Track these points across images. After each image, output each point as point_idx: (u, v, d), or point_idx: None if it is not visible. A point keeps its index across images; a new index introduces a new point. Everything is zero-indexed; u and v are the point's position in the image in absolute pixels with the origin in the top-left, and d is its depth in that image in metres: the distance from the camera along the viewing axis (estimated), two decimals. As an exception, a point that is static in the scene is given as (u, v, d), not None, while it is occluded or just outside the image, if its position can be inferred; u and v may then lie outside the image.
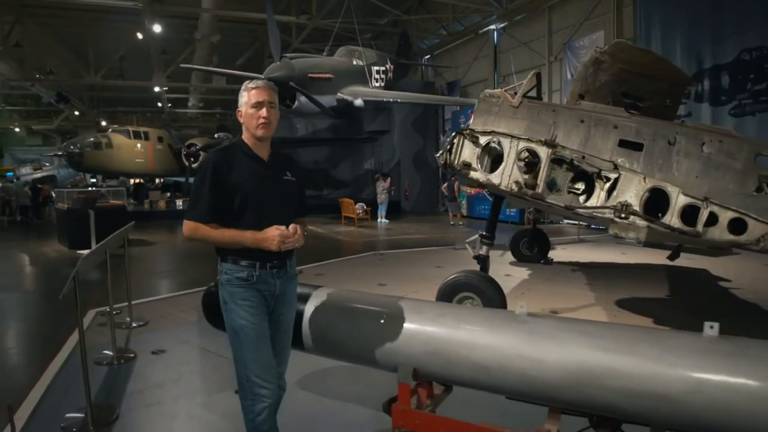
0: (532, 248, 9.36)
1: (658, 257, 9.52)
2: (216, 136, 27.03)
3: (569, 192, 3.31)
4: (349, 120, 20.18)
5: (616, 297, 6.67)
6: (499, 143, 3.50)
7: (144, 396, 3.96)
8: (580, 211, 3.28)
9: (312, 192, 24.18)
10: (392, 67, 18.17)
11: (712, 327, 2.11)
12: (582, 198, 3.22)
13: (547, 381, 2.26)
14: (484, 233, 4.99)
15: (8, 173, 31.24)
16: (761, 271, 8.35)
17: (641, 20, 13.21)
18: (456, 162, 3.61)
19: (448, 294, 5.14)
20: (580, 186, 3.26)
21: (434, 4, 22.21)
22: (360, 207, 16.42)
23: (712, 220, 2.88)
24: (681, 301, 6.68)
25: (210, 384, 4.19)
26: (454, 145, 3.63)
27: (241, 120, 2.50)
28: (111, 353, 4.78)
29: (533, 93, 7.50)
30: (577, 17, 16.39)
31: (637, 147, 6.05)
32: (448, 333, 2.52)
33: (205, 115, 45.31)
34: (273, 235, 2.32)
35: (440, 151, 3.72)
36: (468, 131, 3.71)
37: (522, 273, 8.45)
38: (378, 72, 17.06)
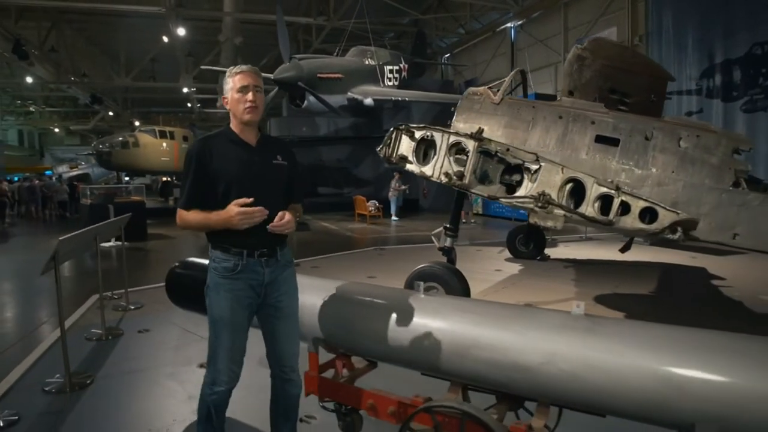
0: (527, 245, 9.41)
1: (659, 255, 9.45)
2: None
3: (501, 183, 3.44)
4: (369, 119, 20.43)
5: (597, 293, 6.72)
6: (432, 137, 3.66)
7: (120, 366, 4.44)
8: (503, 200, 3.42)
9: (333, 190, 24.53)
10: (406, 66, 18.33)
11: (578, 306, 2.26)
12: (509, 188, 3.35)
13: (429, 353, 2.45)
14: (447, 226, 5.16)
15: (47, 172, 32.85)
16: (762, 271, 8.15)
17: (653, 15, 13.02)
18: (394, 155, 3.80)
19: (414, 283, 5.32)
20: (515, 177, 3.39)
21: (453, 4, 22.28)
22: (372, 204, 16.66)
23: (625, 209, 2.97)
24: (663, 298, 6.67)
25: (180, 358, 4.59)
26: (393, 140, 3.83)
27: (228, 107, 2.47)
28: (101, 331, 5.25)
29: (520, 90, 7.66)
30: (592, 14, 16.23)
31: (613, 142, 6.12)
32: (352, 309, 2.73)
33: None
34: (233, 211, 2.27)
35: (380, 146, 3.92)
36: (404, 126, 3.90)
37: (513, 269, 8.53)
38: (391, 71, 17.27)
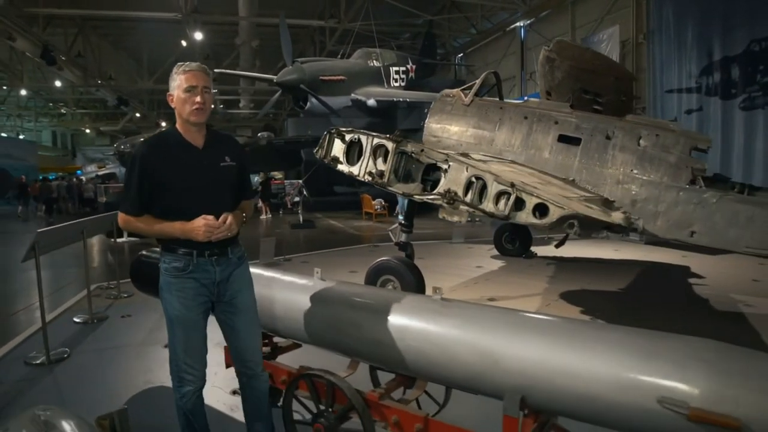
0: (513, 242, 9.55)
1: (650, 254, 9.44)
2: (259, 135, 28.42)
3: (423, 181, 3.69)
4: (384, 119, 20.71)
5: (565, 289, 6.86)
6: (359, 140, 3.94)
7: (97, 344, 5.05)
8: (416, 197, 3.68)
9: (348, 189, 24.83)
10: (414, 67, 18.55)
11: (436, 291, 2.51)
12: (431, 186, 3.61)
13: (322, 331, 2.74)
14: (402, 222, 5.42)
15: (78, 171, 34.29)
16: (750, 271, 8.04)
17: (655, 12, 12.93)
18: (327, 156, 4.10)
19: (372, 276, 5.63)
20: (435, 176, 3.63)
21: (465, 4, 22.36)
22: (378, 203, 16.96)
23: (520, 204, 3.18)
24: (627, 295, 6.77)
25: (150, 339, 5.11)
26: (326, 142, 4.13)
27: (173, 105, 2.39)
28: (88, 316, 5.79)
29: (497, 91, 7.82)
30: (599, 12, 16.12)
31: (575, 141, 6.28)
32: (274, 294, 2.98)
33: (257, 115, 47.43)
34: (198, 225, 2.27)
35: (316, 147, 4.22)
36: (335, 130, 4.20)
37: (494, 265, 8.71)
38: (397, 72, 17.52)
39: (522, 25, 19.89)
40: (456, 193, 3.37)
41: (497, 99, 7.27)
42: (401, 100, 15.87)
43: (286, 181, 25.40)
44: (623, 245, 10.60)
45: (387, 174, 3.69)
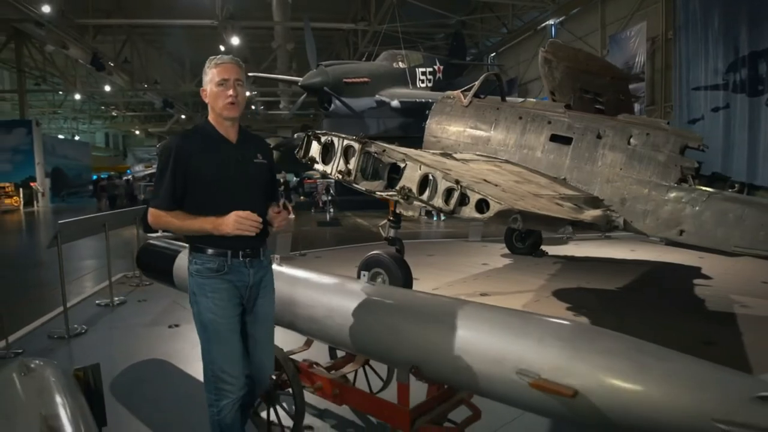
0: (524, 241, 9.62)
1: (664, 255, 9.28)
2: (295, 135, 29.21)
3: (390, 179, 3.96)
4: (418, 118, 20.92)
5: (561, 286, 6.95)
6: (332, 141, 4.24)
7: (111, 323, 5.70)
8: (377, 194, 3.94)
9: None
10: (441, 67, 18.70)
11: (364, 275, 2.80)
12: (389, 184, 3.87)
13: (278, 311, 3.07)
14: (390, 218, 5.70)
15: (128, 171, 36.25)
16: (764, 274, 7.83)
17: (682, 8, 12.62)
18: (306, 157, 4.43)
19: (364, 269, 5.92)
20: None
21: (496, 3, 22.32)
22: (403, 202, 17.20)
23: (465, 200, 3.39)
24: (623, 294, 6.78)
25: (158, 320, 5.69)
26: (304, 144, 4.47)
27: (206, 100, 2.32)
28: (108, 300, 6.41)
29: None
30: (629, 9, 15.82)
31: (566, 141, 6.40)
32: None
33: (298, 116, 48.63)
34: (229, 216, 2.17)
35: (297, 149, 4.55)
36: (312, 132, 4.53)
37: (499, 263, 8.84)
38: (424, 73, 17.73)
39: (552, 23, 19.70)
40: (410, 190, 3.63)
41: (498, 100, 7.42)
42: (425, 101, 16.08)
43: (318, 181, 26.02)
44: (640, 245, 10.46)
45: (354, 172, 3.99)
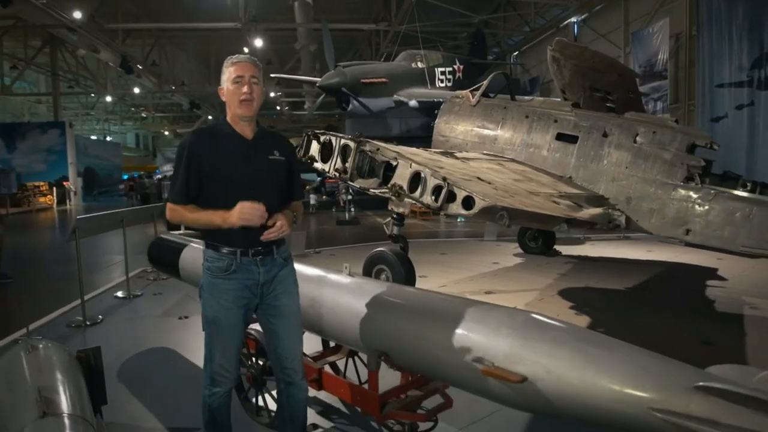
0: (537, 240, 9.59)
1: (682, 256, 9.10)
2: (318, 136, 29.52)
3: (385, 177, 4.05)
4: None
5: (568, 286, 6.93)
6: (330, 140, 4.36)
7: (126, 314, 6.04)
8: (371, 191, 4.03)
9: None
10: (461, 67, 18.67)
11: (345, 267, 2.91)
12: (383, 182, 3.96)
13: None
14: (394, 216, 5.80)
15: (156, 171, 37.24)
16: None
17: (705, 3, 12.34)
18: (306, 156, 4.56)
19: (368, 266, 6.06)
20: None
21: (519, 2, 22.16)
22: (422, 201, 17.25)
23: (452, 197, 3.45)
24: (630, 294, 6.71)
25: (169, 312, 5.95)
26: (305, 143, 4.60)
27: (224, 98, 2.37)
28: (126, 293, 6.72)
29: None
30: (653, 5, 15.51)
31: (572, 140, 6.39)
32: None
33: (323, 116, 49.17)
34: (236, 209, 2.19)
35: (297, 147, 4.67)
36: (311, 132, 4.65)
37: (510, 262, 8.84)
38: (443, 73, 17.74)
39: (575, 20, 19.44)
40: (401, 187, 3.72)
41: (506, 99, 7.44)
42: (443, 100, 16.15)
43: (340, 180, 26.22)
44: (658, 246, 10.28)
45: (350, 170, 4.11)
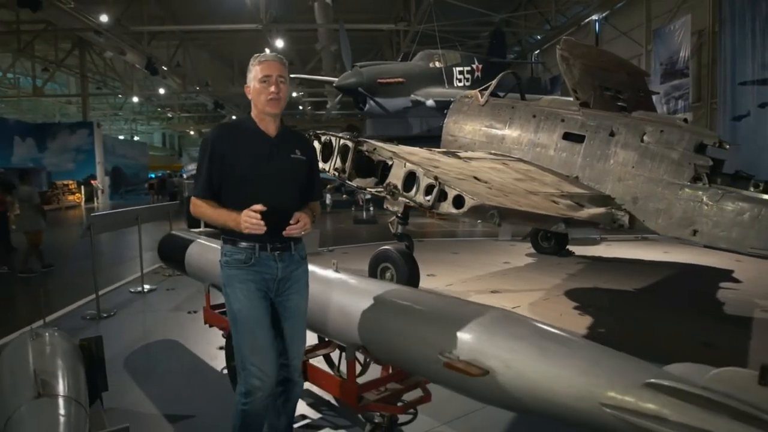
0: (549, 240, 9.54)
1: (701, 258, 8.92)
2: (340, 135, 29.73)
3: (382, 176, 4.12)
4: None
5: (576, 286, 6.91)
6: (330, 141, 4.45)
7: (139, 308, 6.29)
8: (368, 190, 4.10)
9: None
10: (480, 66, 18.60)
11: (333, 263, 3.01)
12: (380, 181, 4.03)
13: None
14: (399, 215, 5.86)
15: (182, 170, 38.06)
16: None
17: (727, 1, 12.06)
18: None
19: (374, 264, 6.15)
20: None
21: (540, 0, 21.96)
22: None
23: (443, 196, 3.50)
24: (638, 295, 6.64)
25: (179, 306, 6.16)
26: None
27: (250, 96, 2.38)
28: (140, 288, 6.97)
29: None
30: (676, 1, 15.20)
31: (579, 139, 6.37)
32: None
33: (346, 116, 49.49)
34: (242, 214, 2.16)
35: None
36: (313, 133, 4.75)
37: (521, 262, 8.82)
38: (461, 72, 17.70)
39: (596, 18, 19.18)
40: (396, 186, 3.79)
41: (516, 98, 7.43)
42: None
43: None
44: (675, 247, 10.09)
45: (348, 170, 4.20)
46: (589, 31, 19.90)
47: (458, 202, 3.43)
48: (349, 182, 4.32)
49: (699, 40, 14.10)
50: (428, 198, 3.59)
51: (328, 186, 23.93)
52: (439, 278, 7.42)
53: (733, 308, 5.95)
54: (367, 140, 4.38)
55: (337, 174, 4.34)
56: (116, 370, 4.02)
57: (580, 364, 1.85)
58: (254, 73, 2.35)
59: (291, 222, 2.24)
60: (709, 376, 1.68)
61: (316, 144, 4.59)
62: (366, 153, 4.14)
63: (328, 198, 19.79)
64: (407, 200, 3.83)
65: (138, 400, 3.55)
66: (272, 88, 2.30)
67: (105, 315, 5.73)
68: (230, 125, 2.52)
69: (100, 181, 26.57)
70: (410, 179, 3.81)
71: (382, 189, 3.91)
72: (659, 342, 4.68)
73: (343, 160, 4.26)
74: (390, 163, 3.92)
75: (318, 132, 4.72)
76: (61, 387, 2.48)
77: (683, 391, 1.63)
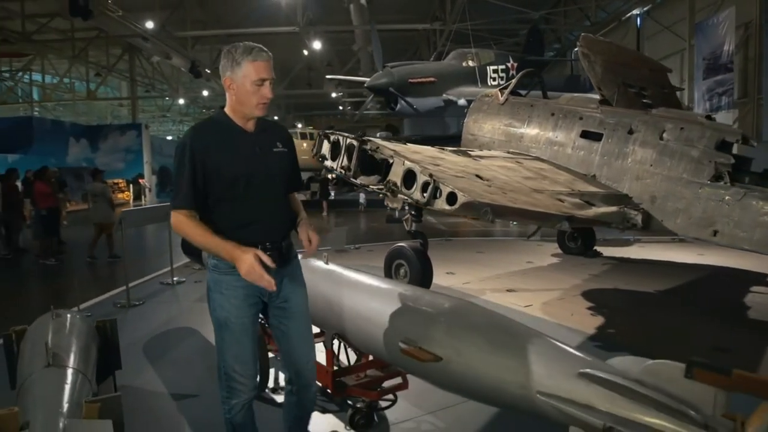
0: (576, 241, 9.39)
1: (731, 260, 8.60)
2: (378, 134, 29.97)
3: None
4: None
5: (595, 287, 6.81)
6: (338, 140, 4.60)
7: (165, 298, 6.71)
8: (371, 187, 4.21)
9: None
10: (515, 64, 18.38)
11: (324, 256, 3.15)
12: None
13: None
14: (413, 212, 5.96)
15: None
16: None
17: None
18: (318, 155, 4.82)
19: (389, 260, 6.29)
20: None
21: (579, -4, 21.52)
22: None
23: (437, 193, 3.56)
24: (658, 297, 6.48)
25: (203, 298, 6.35)
26: (317, 143, 4.87)
27: (232, 91, 2.17)
28: (170, 280, 7.37)
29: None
30: (721, -7, 14.59)
31: (597, 137, 6.29)
32: None
33: (385, 115, 49.79)
34: (247, 258, 2.00)
35: (313, 147, 4.96)
36: (323, 133, 4.91)
37: (545, 261, 8.73)
38: (495, 71, 17.55)
39: (638, 12, 18.59)
40: (395, 183, 3.90)
41: (537, 97, 7.39)
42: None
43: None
44: (710, 249, 9.68)
45: (353, 168, 4.35)
46: (630, 26, 19.33)
47: (451, 198, 3.51)
48: (354, 180, 4.47)
49: (745, 33, 13.49)
50: (424, 195, 3.68)
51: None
52: (458, 276, 7.47)
53: (758, 313, 5.73)
54: (371, 139, 4.51)
55: (343, 172, 4.49)
56: (134, 351, 4.32)
57: (523, 354, 1.92)
58: (245, 70, 2.11)
59: (301, 238, 2.27)
60: (642, 368, 1.72)
61: (326, 143, 4.76)
62: (369, 152, 4.27)
63: (362, 197, 20.03)
64: (405, 197, 3.94)
65: (149, 379, 3.83)
66: (267, 92, 2.14)
67: (136, 303, 6.14)
68: (206, 125, 2.30)
69: (148, 180, 27.78)
70: (410, 177, 3.91)
71: (383, 186, 4.04)
72: (668, 344, 4.59)
73: (350, 159, 4.41)
74: (391, 161, 4.03)
75: (327, 132, 4.89)
76: (71, 360, 2.73)
77: (612, 382, 1.68)
